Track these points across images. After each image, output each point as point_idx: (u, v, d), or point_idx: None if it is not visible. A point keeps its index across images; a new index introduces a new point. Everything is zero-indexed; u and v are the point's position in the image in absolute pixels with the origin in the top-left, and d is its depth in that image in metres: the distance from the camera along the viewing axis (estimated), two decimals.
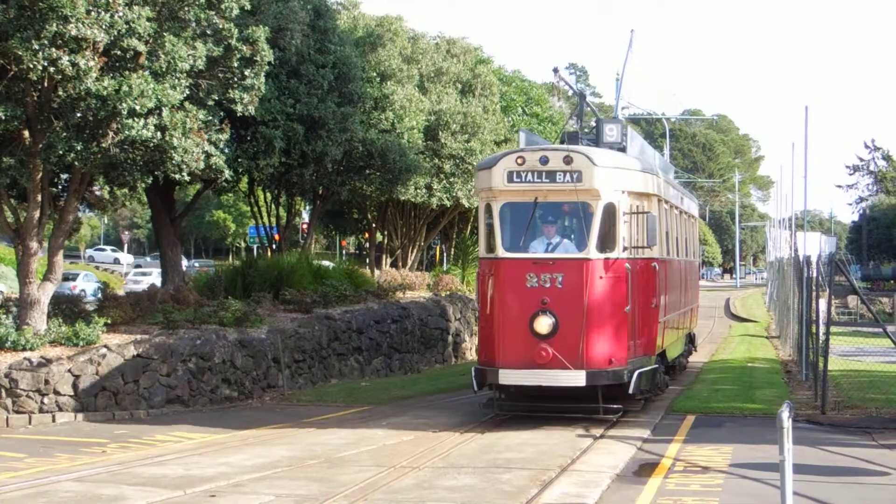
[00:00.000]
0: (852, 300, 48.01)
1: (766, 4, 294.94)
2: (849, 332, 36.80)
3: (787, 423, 9.78)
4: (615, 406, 19.57)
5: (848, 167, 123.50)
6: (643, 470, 15.17)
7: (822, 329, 22.49)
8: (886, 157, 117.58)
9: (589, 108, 24.48)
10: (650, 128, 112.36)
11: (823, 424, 19.29)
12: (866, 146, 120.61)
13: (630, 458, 16.14)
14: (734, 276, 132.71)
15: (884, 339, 30.01)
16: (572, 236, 19.74)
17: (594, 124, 23.68)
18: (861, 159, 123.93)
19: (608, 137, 21.79)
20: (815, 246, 53.37)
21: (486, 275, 20.05)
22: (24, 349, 22.41)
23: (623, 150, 21.76)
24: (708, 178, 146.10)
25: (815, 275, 25.51)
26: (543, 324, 18.81)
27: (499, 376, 19.17)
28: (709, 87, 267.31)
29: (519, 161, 19.36)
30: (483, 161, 21.84)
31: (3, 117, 21.31)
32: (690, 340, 31.35)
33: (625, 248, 19.50)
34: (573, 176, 19.05)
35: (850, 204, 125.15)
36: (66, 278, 59.94)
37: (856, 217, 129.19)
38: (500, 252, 19.54)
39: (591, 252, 19.12)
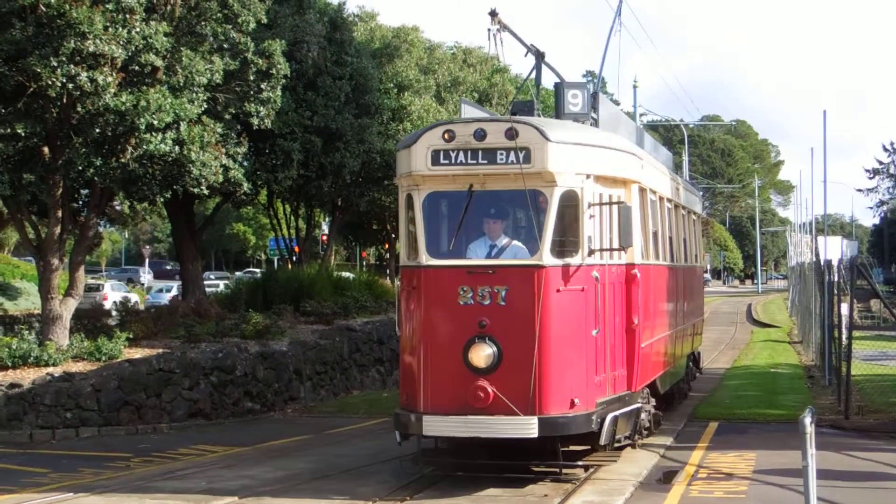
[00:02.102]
0: (875, 304, 47.86)
1: (783, 8, 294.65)
2: (872, 336, 36.83)
3: (809, 428, 9.73)
4: (579, 464, 15.22)
5: (868, 170, 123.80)
6: (666, 477, 15.10)
7: (844, 333, 22.36)
8: None
9: (552, 71, 18.05)
10: (668, 134, 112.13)
11: (847, 429, 19.18)
12: (885, 149, 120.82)
13: (653, 466, 16.07)
14: (755, 281, 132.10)
15: None
16: (523, 237, 14.87)
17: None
18: (881, 162, 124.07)
19: (571, 107, 16.36)
20: (836, 250, 53.10)
21: (408, 289, 14.96)
22: (46, 364, 22.50)
23: (593, 123, 16.88)
24: (727, 183, 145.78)
25: (836, 279, 25.42)
26: (481, 354, 13.79)
27: (422, 425, 14.03)
28: (728, 93, 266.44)
29: (447, 136, 14.29)
30: (403, 139, 16.04)
31: (23, 134, 21.43)
32: (694, 361, 25.71)
33: (591, 252, 14.51)
34: (519, 155, 14.06)
35: (871, 207, 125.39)
36: (94, 288, 60.82)
37: (877, 220, 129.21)
38: (424, 258, 14.40)
39: (545, 257, 14.07)
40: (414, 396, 14.45)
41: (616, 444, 15.34)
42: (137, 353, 23.83)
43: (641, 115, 71.44)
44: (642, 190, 16.86)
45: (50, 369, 22.32)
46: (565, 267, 14.30)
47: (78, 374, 22.18)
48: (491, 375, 13.83)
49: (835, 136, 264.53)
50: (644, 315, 16.21)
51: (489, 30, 16.60)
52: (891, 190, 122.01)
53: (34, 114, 21.58)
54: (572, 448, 15.14)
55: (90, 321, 27.32)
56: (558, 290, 14.19)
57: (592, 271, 14.62)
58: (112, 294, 57.77)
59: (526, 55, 17.70)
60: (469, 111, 16.41)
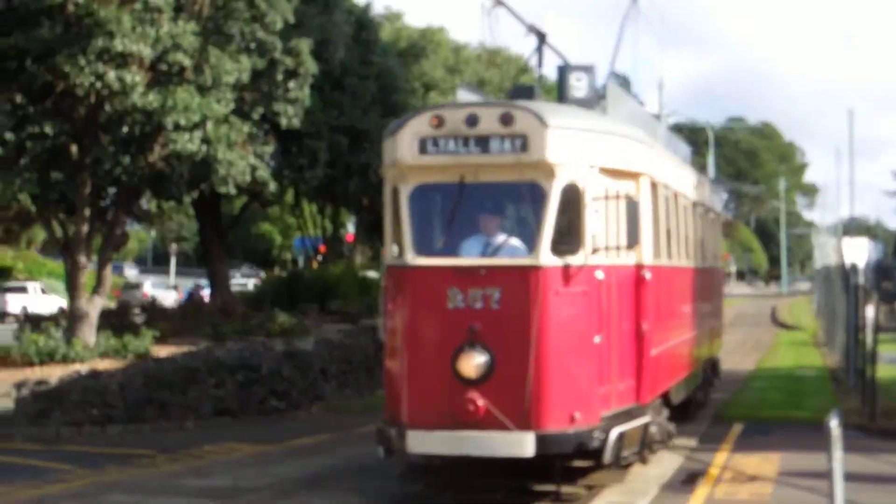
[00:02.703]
0: None
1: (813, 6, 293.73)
2: None
3: (835, 430, 9.67)
4: (580, 485, 13.58)
5: (894, 172, 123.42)
6: (690, 479, 15.02)
7: (869, 336, 22.23)
8: None
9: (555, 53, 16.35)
10: (694, 136, 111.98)
11: (873, 432, 19.04)
12: None
13: (677, 468, 15.98)
14: (780, 283, 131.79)
15: None
16: (521, 234, 12.94)
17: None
18: None
19: (575, 91, 14.42)
20: (862, 252, 52.84)
21: (393, 291, 13.25)
22: (73, 361, 22.63)
23: (600, 110, 15.00)
24: (753, 184, 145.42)
25: (861, 281, 25.30)
26: (471, 363, 12.00)
27: (406, 441, 12.27)
28: (755, 94, 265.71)
29: (435, 122, 12.54)
30: (390, 125, 13.88)
31: (52, 132, 21.56)
32: (712, 368, 23.62)
33: (595, 251, 12.72)
34: (515, 143, 12.33)
35: None
36: (135, 286, 61.71)
37: None
38: (409, 257, 12.68)
39: (543, 256, 12.31)
40: (397, 409, 12.72)
41: (623, 462, 13.55)
42: (164, 351, 23.94)
43: (668, 115, 71.35)
44: (654, 184, 14.98)
45: (77, 366, 22.43)
46: (565, 267, 12.44)
47: (104, 372, 22.29)
48: (482, 386, 12.01)
49: (863, 136, 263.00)
50: (655, 320, 14.41)
51: (483, 5, 14.73)
52: None
53: (62, 112, 21.72)
54: (578, 464, 13.29)
55: (117, 319, 27.45)
56: (557, 293, 12.38)
57: (596, 272, 12.78)
58: (151, 291, 58.77)
59: (526, 35, 15.96)
60: (466, 97, 14.62)
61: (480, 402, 11.89)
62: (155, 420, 22.02)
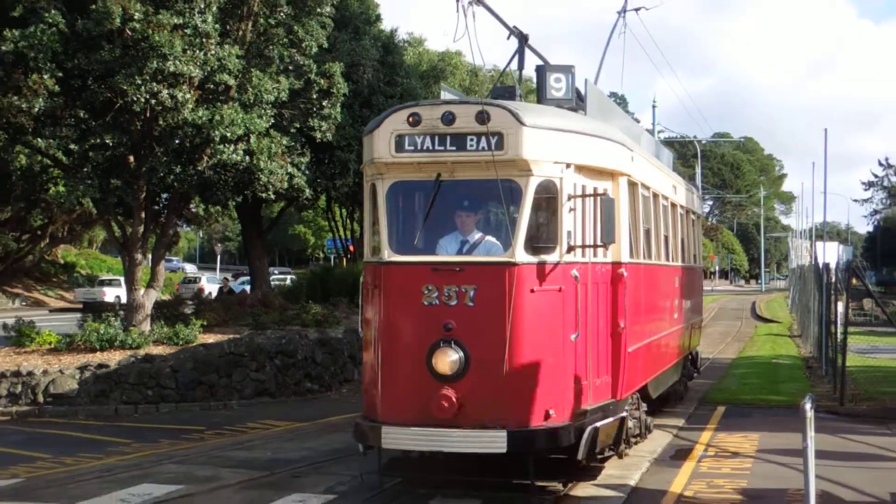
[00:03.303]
0: (867, 303, 47.33)
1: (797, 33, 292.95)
2: (864, 331, 36.29)
3: (809, 413, 9.65)
4: (552, 484, 12.10)
5: (863, 183, 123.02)
6: (679, 454, 15.04)
7: (839, 329, 22.19)
8: None
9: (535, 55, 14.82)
10: (683, 149, 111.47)
11: (842, 415, 19.02)
12: (880, 164, 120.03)
13: (667, 444, 16.00)
14: (759, 281, 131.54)
15: None
16: (497, 232, 11.89)
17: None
18: (876, 176, 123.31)
19: (554, 92, 13.00)
20: (833, 254, 52.65)
21: (370, 287, 12.02)
22: (130, 347, 22.70)
23: (580, 110, 13.47)
24: (735, 193, 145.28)
25: (833, 280, 25.24)
26: (446, 360, 10.94)
27: (381, 437, 11.20)
28: (738, 111, 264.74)
29: (411, 119, 11.39)
30: (369, 124, 12.58)
31: (111, 143, 21.63)
32: (692, 362, 22.44)
33: (571, 249, 11.58)
34: (491, 141, 11.14)
35: (866, 216, 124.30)
36: (192, 280, 62.25)
37: (871, 228, 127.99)
38: (386, 254, 11.55)
39: (518, 253, 11.19)
40: (374, 405, 11.57)
41: (599, 457, 12.55)
42: (210, 339, 24.01)
43: (660, 132, 71.07)
44: (633, 184, 13.80)
45: (133, 352, 22.51)
46: (541, 265, 11.31)
47: (158, 357, 22.35)
48: (456, 383, 10.92)
49: (836, 151, 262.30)
50: (632, 317, 13.16)
51: (460, 4, 12.70)
52: (884, 201, 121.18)
53: (121, 126, 21.78)
54: (558, 458, 12.02)
55: (169, 310, 27.51)
56: (532, 291, 11.22)
57: (572, 270, 11.57)
58: (207, 286, 59.20)
59: (508, 38, 14.21)
60: (448, 98, 13.34)
61: (454, 398, 10.85)
62: (203, 400, 22.09)
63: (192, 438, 18.03)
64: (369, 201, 12.05)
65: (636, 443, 14.77)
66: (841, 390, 20.60)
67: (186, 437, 18.12)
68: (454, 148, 11.34)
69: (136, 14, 20.39)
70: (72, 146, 22.32)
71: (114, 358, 22.12)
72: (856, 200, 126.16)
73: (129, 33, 20.44)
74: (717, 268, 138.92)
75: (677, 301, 18.20)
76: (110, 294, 54.62)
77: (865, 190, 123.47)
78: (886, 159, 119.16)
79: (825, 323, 26.44)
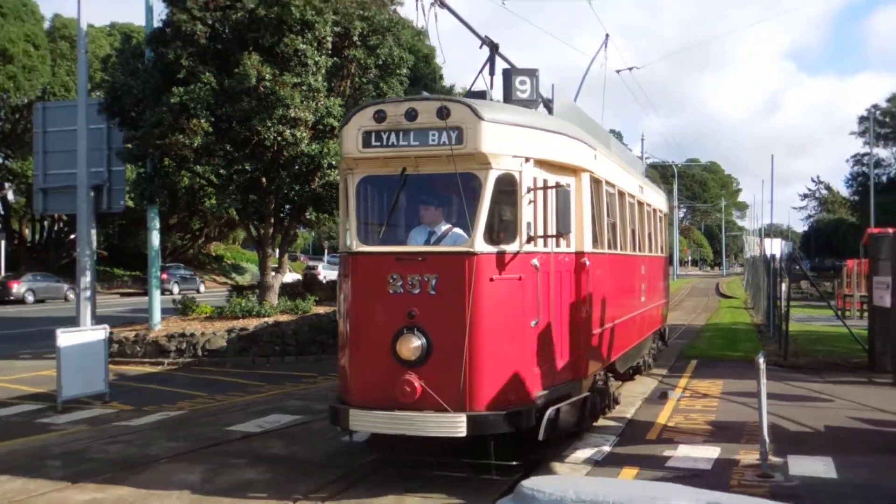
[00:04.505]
0: (804, 284, 46.65)
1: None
2: (801, 304, 35.88)
3: (762, 365, 9.53)
4: (513, 463, 9.33)
5: (800, 195, 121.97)
6: (663, 395, 14.90)
7: (783, 303, 21.90)
8: (828, 188, 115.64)
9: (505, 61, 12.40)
10: (664, 171, 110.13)
11: (786, 367, 18.75)
12: (812, 180, 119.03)
13: (654, 387, 15.87)
14: (721, 268, 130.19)
15: (826, 309, 29.22)
16: (463, 223, 9.30)
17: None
18: (809, 189, 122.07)
19: (519, 93, 10.71)
20: (777, 248, 51.88)
21: (342, 276, 9.89)
22: (263, 316, 22.92)
23: (547, 111, 11.45)
24: (703, 203, 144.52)
25: (778, 267, 25.00)
26: (409, 346, 8.85)
27: (349, 418, 9.02)
28: (707, 140, 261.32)
29: (377, 116, 9.25)
30: (342, 121, 10.38)
31: (249, 169, 21.83)
32: (661, 338, 20.24)
33: (530, 239, 9.35)
34: (451, 135, 8.97)
35: (802, 220, 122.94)
36: (312, 268, 59.55)
37: (806, 228, 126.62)
38: (355, 244, 9.40)
39: (477, 243, 8.97)
40: (346, 388, 9.42)
41: (562, 434, 10.20)
42: (321, 310, 24.16)
43: (647, 158, 70.45)
44: (596, 180, 11.42)
45: (266, 319, 22.73)
46: (500, 254, 9.11)
47: (283, 322, 22.54)
48: (419, 369, 8.83)
49: (780, 171, 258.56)
50: (596, 302, 11.07)
51: (421, 5, 10.74)
52: (815, 208, 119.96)
53: (256, 156, 21.98)
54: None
55: (291, 289, 27.72)
56: (492, 279, 9.02)
57: (532, 259, 9.38)
58: (324, 272, 55.05)
59: (480, 47, 11.75)
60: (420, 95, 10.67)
61: (417, 383, 8.74)
62: (316, 354, 22.22)
63: (308, 382, 18.18)
64: (343, 195, 9.86)
65: (603, 416, 12.36)
66: (785, 348, 20.33)
67: (304, 381, 18.27)
68: (417, 143, 9.14)
69: (267, 75, 20.55)
70: (221, 171, 22.55)
71: (251, 323, 22.36)
72: (794, 208, 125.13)
73: (262, 89, 20.61)
74: (689, 258, 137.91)
75: (644, 285, 15.82)
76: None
77: (801, 200, 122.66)
78: (818, 177, 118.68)
79: (772, 298, 26.11)
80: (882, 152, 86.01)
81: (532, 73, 10.81)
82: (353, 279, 9.34)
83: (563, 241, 10.03)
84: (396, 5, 24.73)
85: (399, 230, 9.58)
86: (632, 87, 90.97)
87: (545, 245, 9.68)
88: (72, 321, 21.95)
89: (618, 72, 26.62)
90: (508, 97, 10.70)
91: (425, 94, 10.32)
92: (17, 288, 48.14)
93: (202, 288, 58.25)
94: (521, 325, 9.28)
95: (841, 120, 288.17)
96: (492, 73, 11.90)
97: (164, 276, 57.46)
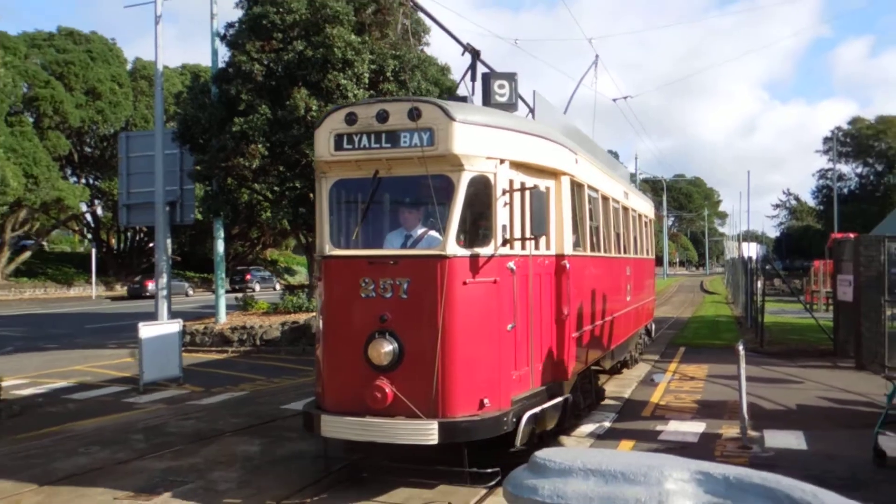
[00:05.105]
0: (777, 282, 46.22)
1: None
2: (775, 300, 35.48)
3: (741, 351, 9.45)
4: (489, 471, 7.47)
5: (773, 205, 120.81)
6: (655, 377, 14.78)
7: (759, 298, 21.69)
8: (797, 199, 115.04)
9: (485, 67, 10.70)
10: (655, 185, 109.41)
11: (762, 353, 18.53)
12: (783, 192, 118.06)
13: (647, 371, 15.74)
14: (704, 268, 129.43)
15: (797, 304, 28.90)
16: (432, 225, 7.93)
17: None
18: (781, 200, 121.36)
19: (498, 97, 9.07)
20: (753, 251, 51.42)
21: (317, 280, 8.27)
22: (311, 311, 22.96)
23: (528, 115, 10.38)
24: (689, 213, 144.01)
25: (754, 267, 24.83)
26: (381, 351, 7.37)
27: (321, 424, 7.48)
28: (692, 157, 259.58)
29: (349, 119, 7.73)
30: (315, 124, 8.57)
31: (299, 186, 21.90)
32: (648, 333, 18.63)
33: (506, 241, 7.77)
34: (423, 137, 7.44)
35: (775, 226, 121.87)
36: None
37: (778, 234, 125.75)
38: (328, 248, 7.89)
39: (449, 247, 7.43)
40: (320, 392, 7.90)
41: (542, 438, 8.43)
42: None
43: (640, 174, 70.01)
44: (578, 184, 9.75)
45: (313, 314, 22.79)
46: (474, 257, 7.56)
47: None
48: (391, 374, 7.38)
49: (755, 184, 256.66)
50: (577, 304, 9.34)
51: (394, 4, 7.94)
52: (786, 216, 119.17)
53: (305, 175, 22.06)
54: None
55: None
56: (465, 283, 7.49)
57: (508, 262, 7.81)
58: None
59: (463, 54, 10.28)
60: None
61: (388, 389, 7.30)
62: None
63: None
64: (317, 199, 8.28)
65: (587, 416, 10.90)
66: (761, 337, 20.11)
67: None
68: (389, 145, 7.64)
69: (314, 107, 20.61)
70: (275, 188, 22.64)
71: (302, 317, 22.41)
72: (768, 216, 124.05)
73: (309, 118, 20.69)
74: (677, 259, 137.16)
75: (629, 286, 14.06)
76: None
77: (774, 209, 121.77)
78: (788, 189, 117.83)
79: (749, 294, 25.86)
80: (844, 168, 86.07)
81: (511, 78, 9.24)
82: (325, 283, 7.88)
83: (542, 244, 8.48)
84: (423, 45, 24.74)
85: (373, 234, 8.13)
86: (627, 113, 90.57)
87: (523, 248, 8.13)
88: (182, 314, 22.16)
89: (614, 100, 26.51)
90: (487, 101, 9.17)
91: (398, 96, 8.54)
92: (151, 286, 49.46)
93: (277, 286, 58.83)
94: (496, 329, 7.71)
95: (809, 140, 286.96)
96: (473, 78, 10.25)
97: (248, 276, 59.52)
